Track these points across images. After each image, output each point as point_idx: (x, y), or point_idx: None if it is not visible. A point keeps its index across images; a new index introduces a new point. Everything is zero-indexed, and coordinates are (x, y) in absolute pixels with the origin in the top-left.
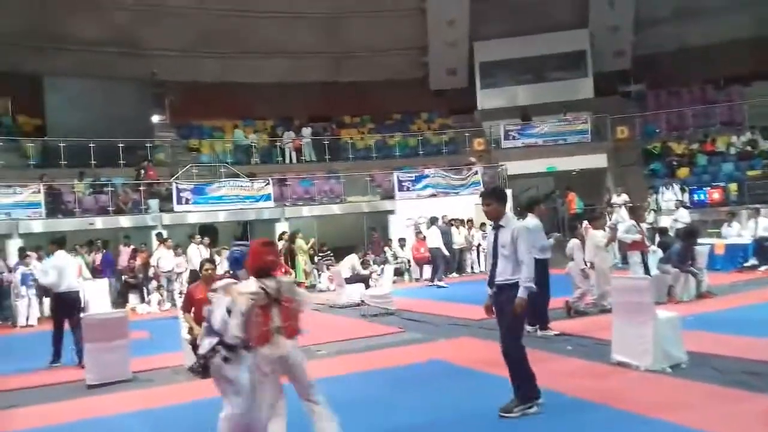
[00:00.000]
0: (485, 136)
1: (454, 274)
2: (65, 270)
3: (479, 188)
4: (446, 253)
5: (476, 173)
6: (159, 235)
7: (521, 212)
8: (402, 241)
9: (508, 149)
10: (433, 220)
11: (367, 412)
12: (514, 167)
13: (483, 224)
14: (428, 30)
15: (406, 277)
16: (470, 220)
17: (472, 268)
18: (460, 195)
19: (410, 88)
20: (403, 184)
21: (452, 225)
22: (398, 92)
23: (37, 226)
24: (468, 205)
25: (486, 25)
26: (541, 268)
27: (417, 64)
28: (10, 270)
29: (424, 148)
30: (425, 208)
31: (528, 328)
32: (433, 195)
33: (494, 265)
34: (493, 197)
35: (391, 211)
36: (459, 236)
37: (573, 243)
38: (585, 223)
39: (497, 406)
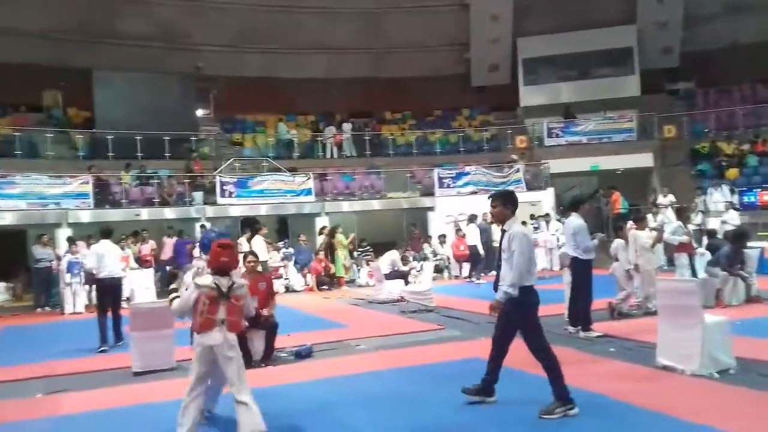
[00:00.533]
0: (528, 133)
1: (494, 272)
2: (105, 257)
3: (521, 186)
4: (481, 252)
5: (518, 171)
6: (202, 227)
7: (564, 212)
8: (441, 238)
9: (551, 147)
10: (472, 218)
11: (403, 409)
12: (556, 165)
13: (524, 222)
14: (471, 26)
15: (446, 274)
16: None
17: None
18: None
19: (451, 85)
20: (444, 180)
21: (492, 223)
22: (439, 88)
23: (86, 216)
24: None
25: (530, 21)
26: (585, 268)
27: (459, 60)
28: (59, 258)
29: (465, 145)
30: (465, 205)
31: (570, 329)
32: (474, 192)
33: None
34: (499, 200)
35: (431, 208)
36: (499, 234)
37: (617, 243)
38: (630, 223)
39: (536, 406)
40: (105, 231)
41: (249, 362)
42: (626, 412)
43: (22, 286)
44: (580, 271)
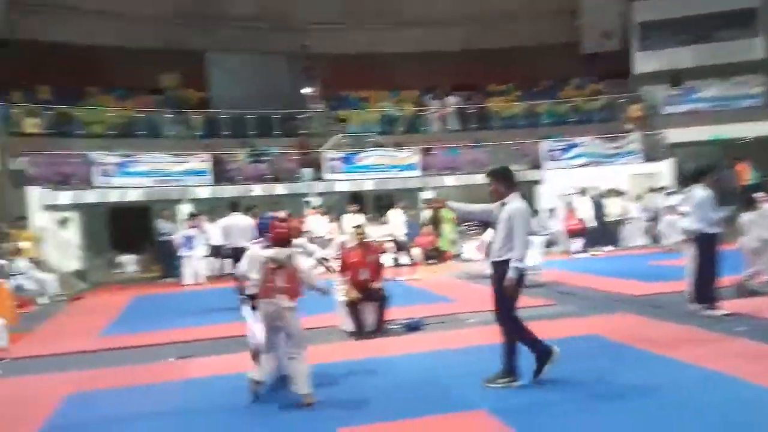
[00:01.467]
0: (642, 101)
1: (609, 247)
2: (232, 228)
3: (636, 157)
4: (594, 225)
5: (633, 141)
6: (308, 203)
7: (686, 182)
8: (551, 212)
9: (669, 115)
10: (584, 191)
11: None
12: (675, 135)
13: (639, 196)
14: None
15: (556, 248)
16: (624, 191)
17: (628, 241)
18: (614, 164)
19: (559, 53)
20: (552, 153)
21: (605, 196)
22: (546, 58)
23: (204, 192)
24: (623, 175)
25: None
26: (709, 242)
27: (567, 27)
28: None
29: (574, 116)
30: (576, 178)
31: (693, 306)
32: (585, 164)
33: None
34: (493, 177)
35: (539, 181)
36: (613, 207)
37: (747, 217)
38: (761, 195)
39: (656, 384)
40: (233, 205)
41: (361, 333)
42: (759, 394)
43: (149, 259)
44: (706, 245)
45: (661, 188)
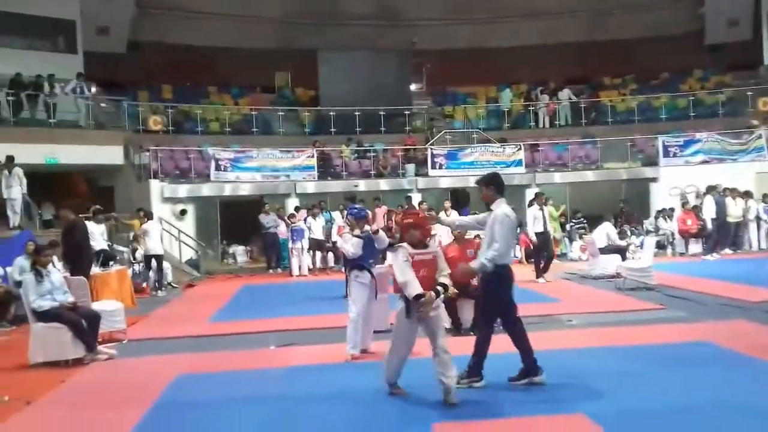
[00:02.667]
0: None
1: (727, 250)
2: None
3: (763, 154)
4: (709, 226)
5: (760, 137)
6: (408, 198)
7: None
8: (666, 212)
9: None
10: (709, 189)
11: (621, 388)
12: None
13: (766, 195)
14: None
15: (669, 250)
16: (748, 191)
17: (750, 244)
18: (738, 162)
19: (680, 44)
20: (669, 149)
21: (727, 195)
22: (666, 49)
23: (311, 187)
24: (747, 173)
25: None
26: None
27: (689, 16)
28: (287, 225)
29: (695, 110)
30: (695, 175)
31: None
32: (705, 161)
33: None
34: (482, 183)
35: (654, 179)
36: (735, 208)
37: None
38: None
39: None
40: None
41: (458, 329)
42: None
43: (257, 250)
44: None
45: None
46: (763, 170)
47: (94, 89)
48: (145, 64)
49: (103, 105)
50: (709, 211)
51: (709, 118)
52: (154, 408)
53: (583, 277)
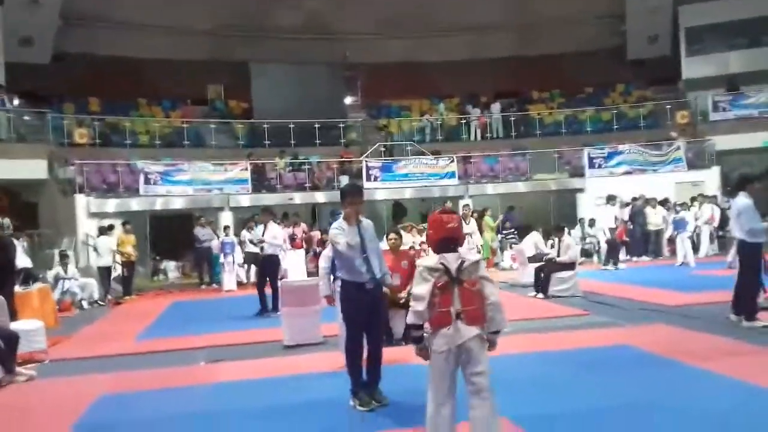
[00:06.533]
0: (690, 108)
1: (645, 257)
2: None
3: (681, 165)
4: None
5: (678, 149)
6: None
7: (731, 191)
8: (591, 222)
9: (717, 122)
10: (609, 198)
11: (544, 392)
12: (723, 142)
13: (666, 201)
14: None
15: (595, 258)
16: (666, 199)
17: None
18: (658, 173)
19: (604, 59)
20: (594, 161)
21: (648, 204)
22: (591, 64)
23: (245, 200)
24: (667, 183)
25: None
26: (752, 252)
27: (613, 32)
28: (219, 239)
29: (619, 123)
30: (618, 186)
31: (732, 317)
32: (628, 172)
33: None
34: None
35: (581, 189)
36: (655, 216)
37: None
38: None
39: (691, 398)
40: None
41: (390, 341)
42: None
43: (189, 265)
44: (747, 255)
45: (706, 197)
46: (681, 180)
47: (16, 101)
48: (71, 75)
49: (26, 117)
50: (609, 221)
51: (632, 131)
52: (74, 430)
53: (512, 285)
